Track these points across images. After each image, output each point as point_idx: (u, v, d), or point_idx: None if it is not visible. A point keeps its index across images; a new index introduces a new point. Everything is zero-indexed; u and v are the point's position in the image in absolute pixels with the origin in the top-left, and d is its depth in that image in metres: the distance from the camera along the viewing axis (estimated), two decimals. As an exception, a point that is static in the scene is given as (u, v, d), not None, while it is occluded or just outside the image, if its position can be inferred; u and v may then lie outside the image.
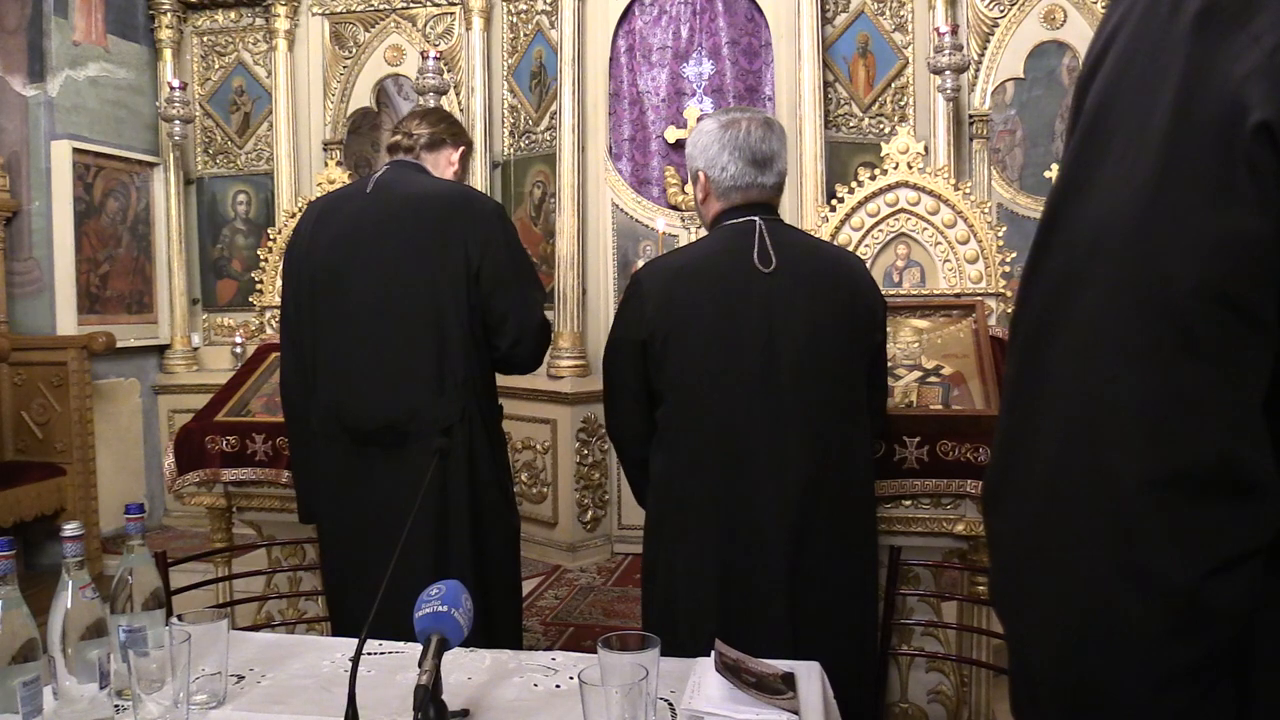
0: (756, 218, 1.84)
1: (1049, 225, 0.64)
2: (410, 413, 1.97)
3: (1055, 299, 0.62)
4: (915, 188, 2.68)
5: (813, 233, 2.47)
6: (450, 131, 2.22)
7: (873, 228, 2.72)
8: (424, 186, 2.09)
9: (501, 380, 2.19)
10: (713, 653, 1.36)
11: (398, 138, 2.20)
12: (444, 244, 1.99)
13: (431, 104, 4.73)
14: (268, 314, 3.23)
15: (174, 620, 1.33)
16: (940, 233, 2.67)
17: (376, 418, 1.99)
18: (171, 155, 5.34)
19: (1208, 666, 0.58)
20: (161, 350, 5.40)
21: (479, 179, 4.96)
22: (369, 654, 1.43)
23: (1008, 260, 2.63)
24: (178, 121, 5.12)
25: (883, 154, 2.73)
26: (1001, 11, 4.74)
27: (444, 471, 1.92)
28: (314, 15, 5.37)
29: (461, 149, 2.24)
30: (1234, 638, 0.58)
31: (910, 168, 2.68)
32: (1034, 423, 0.63)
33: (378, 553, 1.87)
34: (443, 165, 2.20)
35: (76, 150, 4.76)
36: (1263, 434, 0.57)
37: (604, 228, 4.79)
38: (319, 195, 2.85)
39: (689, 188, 4.54)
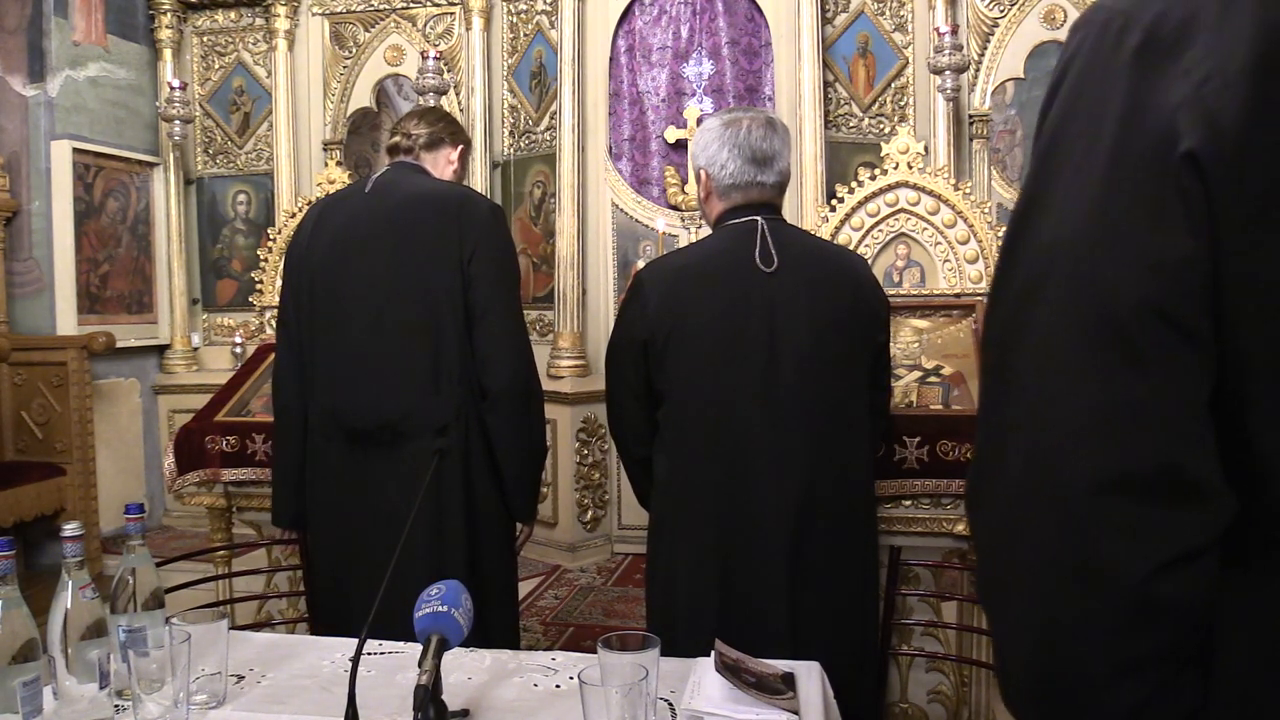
0: (759, 217, 1.84)
1: (1012, 241, 0.69)
2: (406, 412, 1.97)
3: (1017, 313, 0.67)
4: (915, 188, 2.68)
5: (813, 233, 2.47)
6: (448, 130, 2.22)
7: (873, 228, 2.72)
8: (422, 187, 2.09)
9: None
10: (713, 653, 1.35)
11: (397, 139, 2.20)
12: (440, 244, 2.00)
13: (431, 104, 4.73)
14: (268, 314, 3.22)
15: (173, 620, 1.33)
16: (940, 233, 2.67)
17: (372, 417, 1.99)
18: (171, 155, 5.34)
19: (1165, 657, 0.62)
20: (161, 350, 5.40)
21: (479, 179, 4.96)
22: (369, 654, 1.43)
23: (1008, 260, 2.62)
24: (178, 121, 5.12)
25: (883, 154, 2.73)
26: (1001, 11, 4.74)
27: (440, 471, 1.92)
28: (314, 15, 5.36)
29: (460, 148, 2.24)
30: (1197, 628, 0.62)
31: (910, 168, 2.68)
32: (1003, 429, 0.68)
33: (374, 552, 1.87)
34: (442, 164, 2.20)
35: (76, 150, 4.76)
36: (1206, 440, 0.61)
37: (604, 228, 4.79)
38: (321, 195, 2.85)
39: (690, 187, 4.57)
